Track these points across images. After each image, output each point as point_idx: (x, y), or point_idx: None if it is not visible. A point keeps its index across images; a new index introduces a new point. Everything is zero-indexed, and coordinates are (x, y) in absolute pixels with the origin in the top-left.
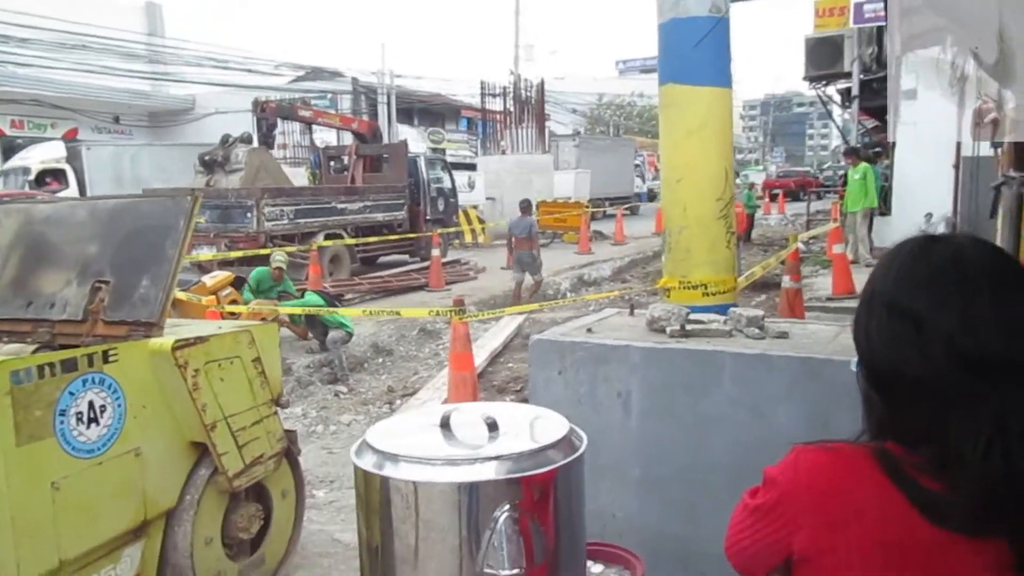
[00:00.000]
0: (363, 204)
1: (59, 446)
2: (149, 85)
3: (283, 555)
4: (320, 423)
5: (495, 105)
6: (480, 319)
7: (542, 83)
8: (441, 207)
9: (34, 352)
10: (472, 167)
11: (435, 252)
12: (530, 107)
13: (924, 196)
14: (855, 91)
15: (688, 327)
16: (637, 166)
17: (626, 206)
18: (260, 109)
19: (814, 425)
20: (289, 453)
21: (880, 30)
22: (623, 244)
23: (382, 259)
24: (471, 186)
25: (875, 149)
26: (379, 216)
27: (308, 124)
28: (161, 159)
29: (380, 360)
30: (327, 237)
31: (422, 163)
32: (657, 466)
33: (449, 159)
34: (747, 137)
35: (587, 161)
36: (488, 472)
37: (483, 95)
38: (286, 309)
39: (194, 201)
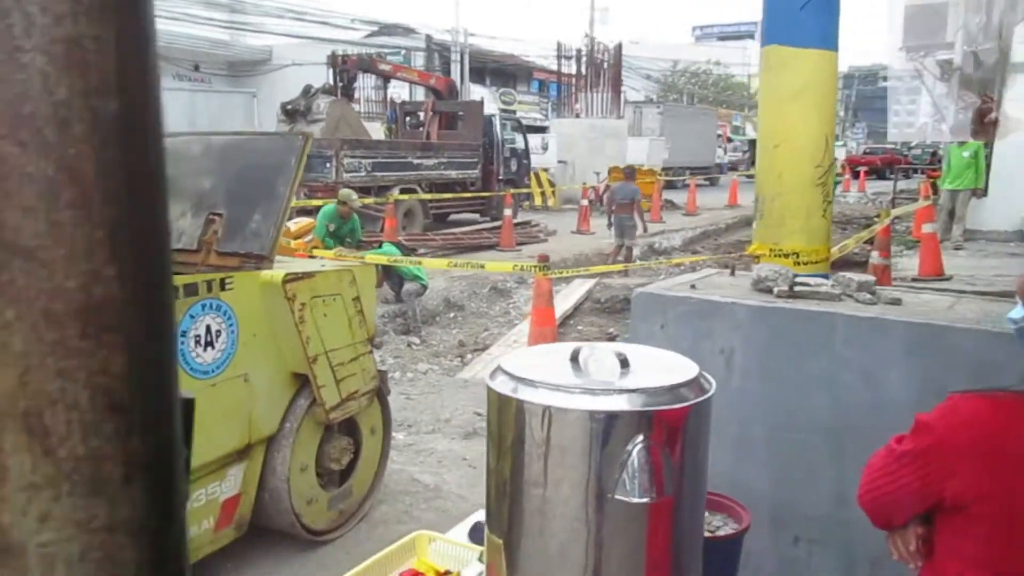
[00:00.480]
0: (438, 161)
1: (179, 365)
2: (228, 35)
3: (369, 489)
4: (398, 370)
5: (569, 68)
6: (560, 276)
7: (619, 47)
8: (514, 168)
9: None
10: (542, 130)
11: (507, 212)
12: (604, 71)
13: None
14: (957, 62)
15: (796, 288)
16: (718, 136)
17: (704, 176)
18: (341, 62)
19: (928, 393)
20: (380, 392)
21: None
22: (694, 215)
23: (452, 216)
24: (545, 148)
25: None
26: (453, 173)
27: (386, 79)
28: (211, 106)
29: (452, 315)
30: (402, 192)
31: (497, 123)
32: (756, 425)
33: None
34: None
35: (670, 129)
36: (623, 403)
37: (559, 57)
38: (372, 258)
39: (306, 141)
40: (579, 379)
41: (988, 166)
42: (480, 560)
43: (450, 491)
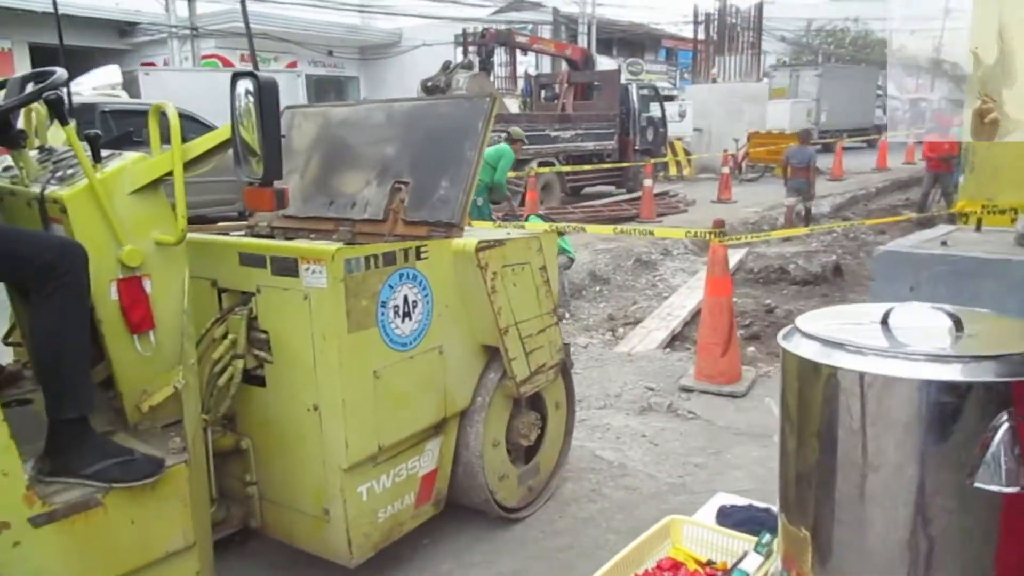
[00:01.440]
0: (575, 132)
1: (380, 337)
2: (360, 19)
3: (554, 466)
4: None
5: (700, 33)
6: (735, 244)
7: (760, 5)
8: (650, 137)
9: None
10: (670, 99)
11: (647, 182)
12: (737, 34)
13: None
14: None
15: None
16: (879, 96)
17: (863, 138)
18: (480, 35)
19: None
20: (564, 365)
21: None
22: (841, 180)
23: (587, 189)
24: (682, 116)
25: None
26: (590, 145)
27: (523, 51)
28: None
29: (598, 288)
30: (540, 165)
31: (633, 92)
32: None
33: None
34: None
35: (828, 91)
36: (978, 373)
37: (695, 22)
38: (532, 226)
39: (493, 103)
40: (913, 344)
41: None
42: (758, 551)
43: (636, 468)
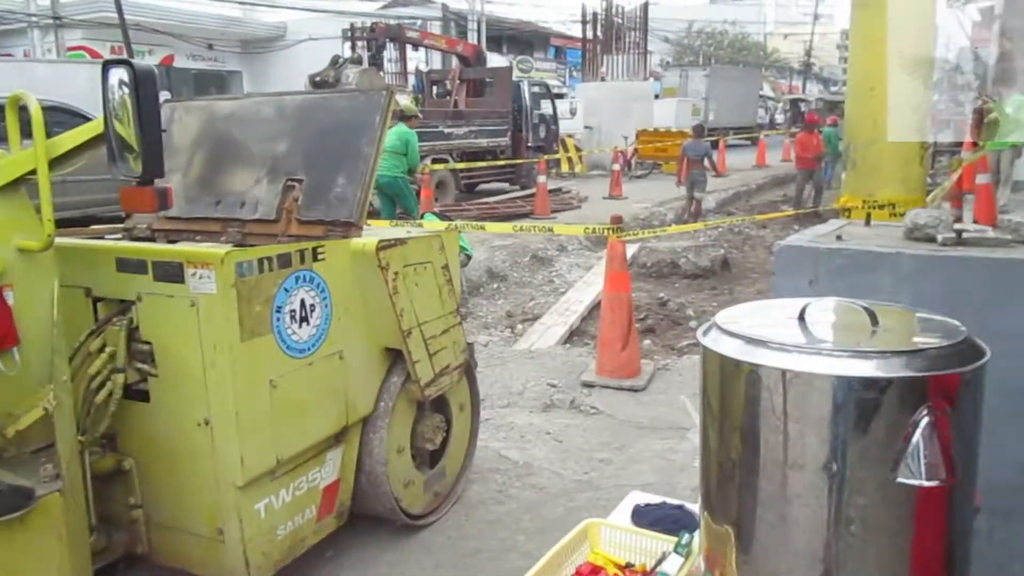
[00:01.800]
0: (468, 129)
1: (276, 344)
2: (241, 12)
3: (460, 468)
4: None
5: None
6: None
7: (646, 6)
8: (543, 134)
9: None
10: (560, 96)
11: (541, 179)
12: (624, 33)
13: None
14: (998, 9)
15: (964, 235)
16: (761, 97)
17: (746, 136)
18: (370, 30)
19: None
20: (468, 366)
21: None
22: (725, 176)
23: (481, 186)
24: (573, 113)
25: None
26: (483, 142)
27: (414, 46)
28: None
29: (495, 285)
30: (433, 162)
31: (525, 88)
32: None
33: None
34: (843, 69)
35: (716, 90)
36: (898, 368)
37: (583, 21)
38: (430, 224)
39: (389, 96)
40: (833, 340)
41: None
42: (679, 552)
43: (542, 467)
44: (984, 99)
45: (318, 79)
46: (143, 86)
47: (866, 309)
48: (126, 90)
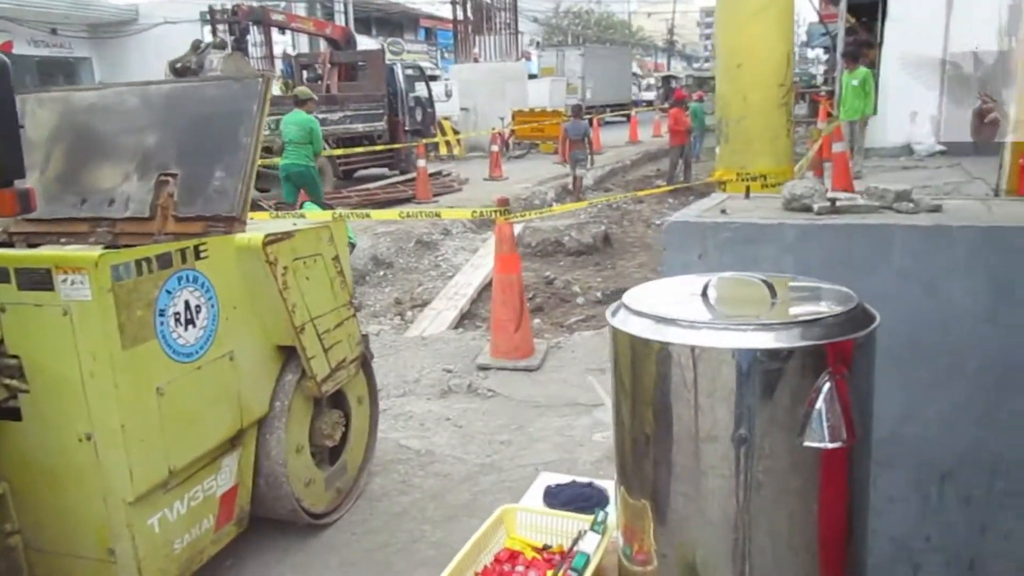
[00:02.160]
0: (343, 115)
1: (161, 349)
2: None
3: (362, 462)
4: None
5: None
6: (520, 220)
7: None
8: (419, 118)
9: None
10: (434, 78)
11: (421, 163)
12: (494, 15)
13: (909, 95)
14: None
15: (837, 204)
16: (634, 75)
17: (621, 113)
18: (232, 12)
19: (997, 299)
20: (364, 358)
21: None
22: (600, 153)
23: (360, 173)
24: (448, 95)
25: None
26: (359, 127)
27: (280, 29)
28: None
29: (381, 272)
30: None
31: (399, 71)
32: None
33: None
34: (704, 46)
35: (591, 69)
36: (798, 337)
37: (453, 2)
38: (311, 215)
39: (266, 84)
40: (735, 314)
41: (876, 88)
42: (595, 530)
43: (444, 454)
44: (985, 99)
45: (179, 66)
46: None
47: (764, 282)
48: None
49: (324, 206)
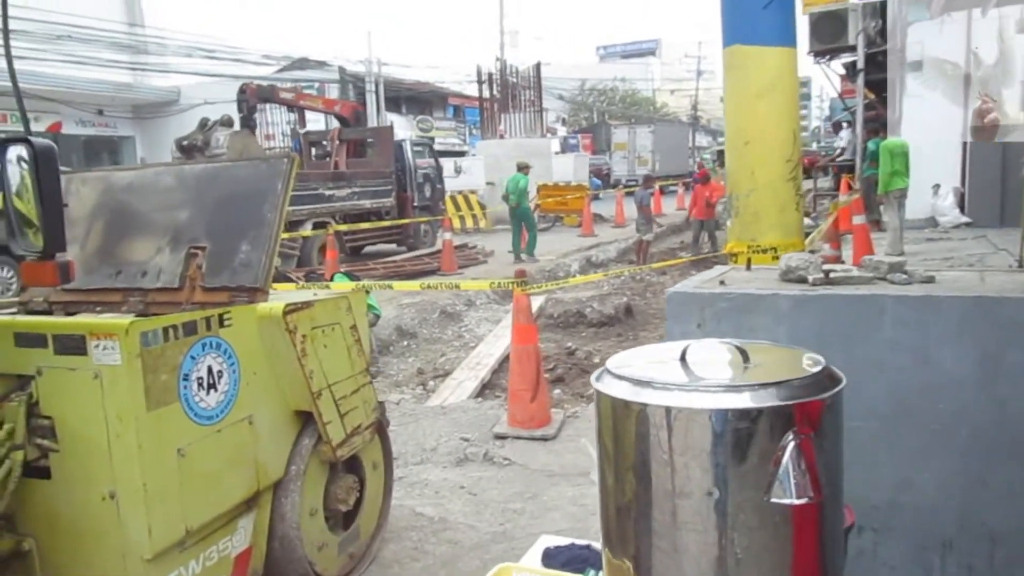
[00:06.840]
0: (350, 190)
1: (184, 412)
2: (131, 77)
3: (375, 528)
4: None
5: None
6: (536, 292)
7: (538, 66)
8: (428, 193)
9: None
10: (461, 154)
11: (447, 236)
12: (519, 92)
13: (930, 168)
14: (860, 64)
15: (831, 275)
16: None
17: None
18: (240, 91)
19: (986, 367)
20: (380, 424)
21: (884, 2)
22: (624, 227)
23: (367, 248)
24: (458, 171)
25: (872, 124)
26: (367, 203)
27: (290, 107)
28: None
29: (405, 343)
30: (315, 226)
31: (408, 147)
32: None
33: (438, 147)
34: None
35: (658, 144)
36: (768, 399)
37: (479, 81)
38: (338, 286)
39: (291, 163)
40: (709, 377)
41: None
42: None
43: (457, 521)
44: (984, 99)
45: (186, 143)
46: (43, 163)
47: (738, 348)
48: (25, 167)
49: (351, 277)
